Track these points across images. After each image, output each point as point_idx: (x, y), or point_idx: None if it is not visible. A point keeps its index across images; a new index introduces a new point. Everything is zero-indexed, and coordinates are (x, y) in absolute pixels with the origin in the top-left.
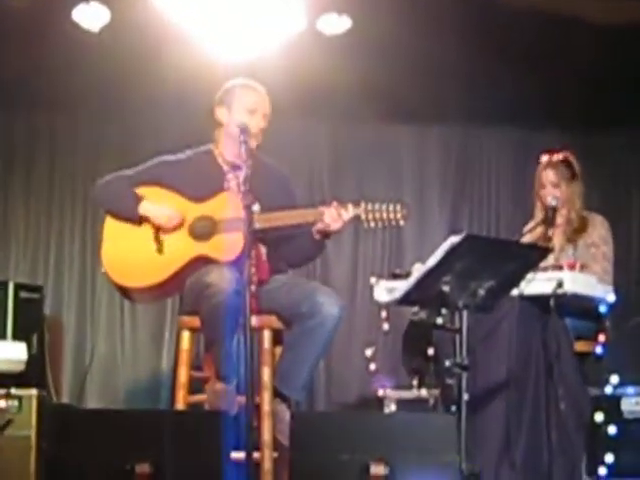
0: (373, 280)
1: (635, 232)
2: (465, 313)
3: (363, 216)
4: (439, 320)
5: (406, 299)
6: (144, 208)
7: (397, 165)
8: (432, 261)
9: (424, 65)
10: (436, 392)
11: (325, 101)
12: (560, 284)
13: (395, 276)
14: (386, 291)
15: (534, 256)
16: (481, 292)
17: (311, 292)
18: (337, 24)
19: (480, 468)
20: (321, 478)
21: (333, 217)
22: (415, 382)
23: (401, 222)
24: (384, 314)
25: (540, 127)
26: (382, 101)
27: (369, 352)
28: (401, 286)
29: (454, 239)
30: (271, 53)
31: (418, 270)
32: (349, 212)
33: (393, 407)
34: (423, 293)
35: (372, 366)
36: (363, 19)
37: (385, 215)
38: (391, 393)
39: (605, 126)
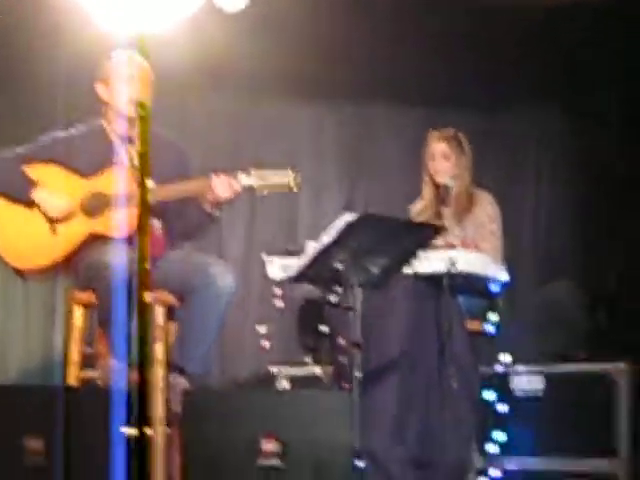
0: (266, 256)
1: (528, 212)
2: (359, 291)
3: (254, 184)
4: (333, 298)
5: (300, 277)
6: (38, 196)
7: (295, 142)
8: (327, 239)
9: (322, 43)
10: (330, 369)
11: (224, 77)
12: (453, 263)
13: (288, 252)
14: (279, 268)
15: (427, 234)
16: (375, 270)
17: (204, 265)
18: (236, 1)
19: (373, 446)
20: (212, 454)
21: (223, 185)
22: (309, 359)
23: (295, 189)
24: (278, 291)
25: (438, 107)
26: (281, 78)
27: (262, 329)
28: (294, 263)
29: (349, 217)
30: (169, 28)
31: (311, 247)
32: (239, 180)
33: (286, 384)
34: (317, 271)
35: (265, 343)
36: None
37: (277, 181)
38: (284, 370)
39: (496, 106)
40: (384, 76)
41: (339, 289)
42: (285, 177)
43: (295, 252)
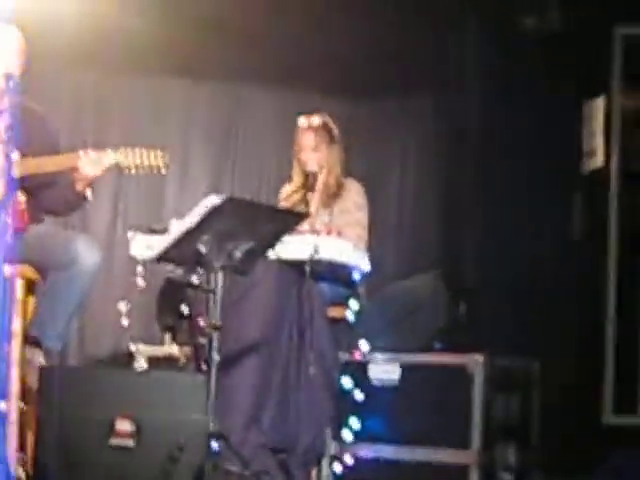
0: (130, 234)
1: (393, 200)
2: (221, 274)
3: (123, 161)
4: (194, 279)
5: (163, 257)
6: None
7: (165, 118)
8: (191, 221)
9: (196, 20)
10: (188, 350)
11: (92, 52)
12: (316, 250)
13: (152, 231)
14: (143, 246)
15: (291, 220)
16: (238, 254)
17: (69, 241)
18: None
19: (228, 428)
20: (67, 433)
21: (91, 162)
22: (168, 339)
23: (163, 170)
24: (140, 269)
25: (307, 90)
26: (152, 53)
27: (122, 306)
28: (158, 242)
29: (214, 200)
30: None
31: (175, 226)
32: (108, 157)
33: (144, 363)
34: (180, 252)
35: (124, 321)
36: None
37: (146, 161)
38: (143, 349)
39: (368, 93)
40: (256, 57)
41: (201, 271)
42: (154, 157)
43: (159, 231)
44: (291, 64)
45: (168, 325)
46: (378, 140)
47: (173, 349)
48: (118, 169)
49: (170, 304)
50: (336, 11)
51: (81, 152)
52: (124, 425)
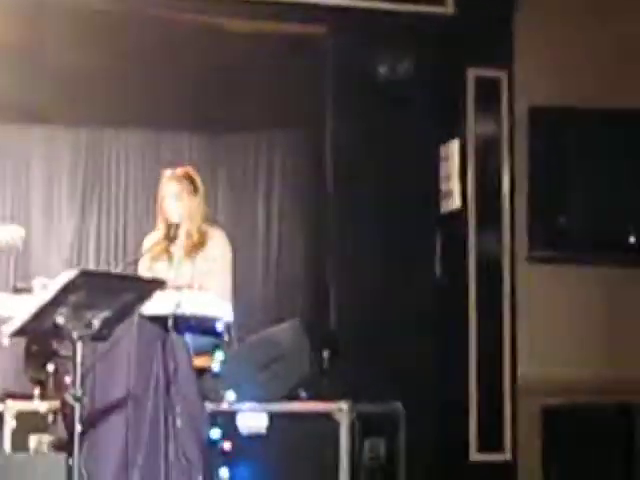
0: None
1: (259, 246)
2: (80, 343)
3: None
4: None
5: (20, 332)
6: None
7: (26, 167)
8: (46, 296)
9: (51, 69)
10: (57, 405)
11: None
12: (178, 305)
13: (17, 290)
14: (6, 304)
15: (149, 288)
16: (96, 322)
17: None
18: None
19: None
20: None
21: None
22: (37, 392)
23: (19, 246)
24: (4, 328)
25: (169, 129)
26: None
27: None
28: (20, 303)
29: (68, 274)
30: None
31: (39, 285)
32: None
33: (13, 423)
34: (39, 325)
35: None
36: None
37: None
38: (11, 405)
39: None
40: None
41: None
42: (10, 233)
43: (24, 290)
44: (152, 106)
45: (36, 379)
46: (240, 181)
47: (41, 406)
48: None
49: (36, 359)
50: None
51: None
52: None
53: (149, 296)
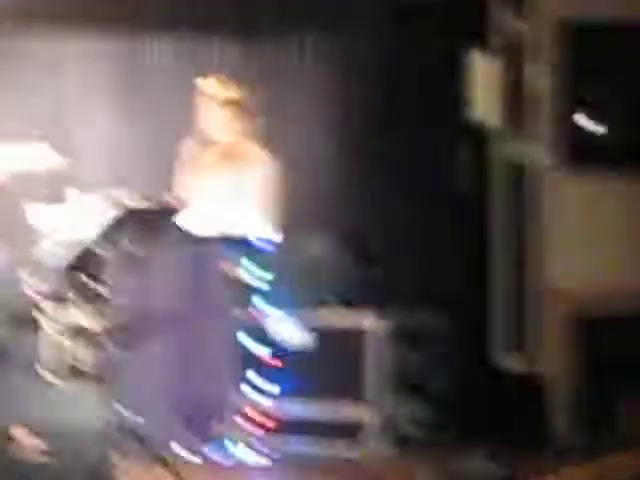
0: (27, 206)
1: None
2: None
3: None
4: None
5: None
6: None
7: (60, 76)
8: (93, 232)
9: None
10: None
11: None
12: (215, 222)
13: (51, 201)
14: (41, 215)
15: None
16: (135, 250)
17: None
18: None
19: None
20: None
21: None
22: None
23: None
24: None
25: (202, 34)
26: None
27: (27, 277)
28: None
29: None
30: None
31: (73, 196)
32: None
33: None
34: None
35: (30, 292)
36: None
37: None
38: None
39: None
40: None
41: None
42: (42, 153)
43: (58, 201)
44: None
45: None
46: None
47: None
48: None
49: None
50: None
51: None
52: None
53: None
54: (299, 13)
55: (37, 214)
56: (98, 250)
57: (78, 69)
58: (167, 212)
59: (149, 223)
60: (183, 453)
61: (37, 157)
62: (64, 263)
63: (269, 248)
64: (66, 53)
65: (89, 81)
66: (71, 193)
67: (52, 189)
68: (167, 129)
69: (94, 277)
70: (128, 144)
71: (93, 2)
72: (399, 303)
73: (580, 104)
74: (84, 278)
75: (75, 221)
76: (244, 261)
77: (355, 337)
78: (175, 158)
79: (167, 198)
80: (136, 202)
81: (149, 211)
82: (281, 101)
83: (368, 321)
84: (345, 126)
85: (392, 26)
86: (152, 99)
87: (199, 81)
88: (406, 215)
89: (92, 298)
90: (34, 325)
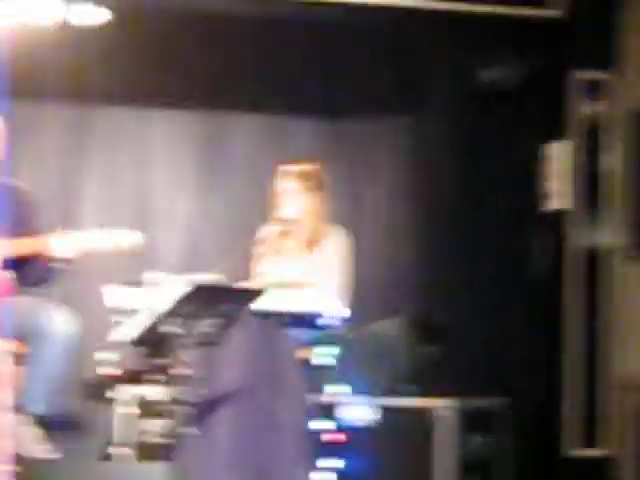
0: (104, 287)
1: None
2: (188, 351)
3: (96, 244)
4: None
5: (136, 342)
6: None
7: (149, 150)
8: (161, 308)
9: (172, 58)
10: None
11: (77, 88)
12: (286, 301)
13: (128, 284)
14: (117, 297)
15: (253, 297)
16: (206, 329)
17: (45, 313)
18: (93, 15)
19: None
20: None
21: (63, 245)
22: (152, 378)
23: (134, 248)
24: (116, 319)
25: (287, 114)
26: (135, 87)
27: (101, 356)
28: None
29: (183, 287)
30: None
31: (148, 280)
32: (81, 240)
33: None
34: (150, 334)
35: (105, 370)
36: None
37: (119, 242)
38: (125, 389)
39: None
40: (238, 85)
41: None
42: (126, 238)
43: (134, 283)
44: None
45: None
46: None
47: (155, 393)
48: (91, 250)
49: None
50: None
51: (51, 237)
52: None
53: (253, 302)
54: (380, 94)
55: (115, 295)
56: (170, 327)
57: (161, 150)
58: (243, 292)
59: (223, 302)
60: None
61: (116, 238)
62: (138, 340)
63: (340, 328)
64: (150, 134)
65: (172, 162)
66: (149, 274)
67: (130, 270)
68: (247, 211)
69: (165, 354)
70: (208, 225)
71: (179, 83)
72: (468, 386)
73: None
74: (155, 355)
75: (152, 301)
76: (315, 341)
77: (422, 419)
78: (254, 240)
79: (243, 279)
80: (212, 281)
81: (224, 289)
82: (357, 184)
83: (436, 403)
84: (420, 210)
85: (470, 109)
86: (233, 180)
87: (280, 165)
88: (478, 299)
89: (163, 375)
90: (107, 400)
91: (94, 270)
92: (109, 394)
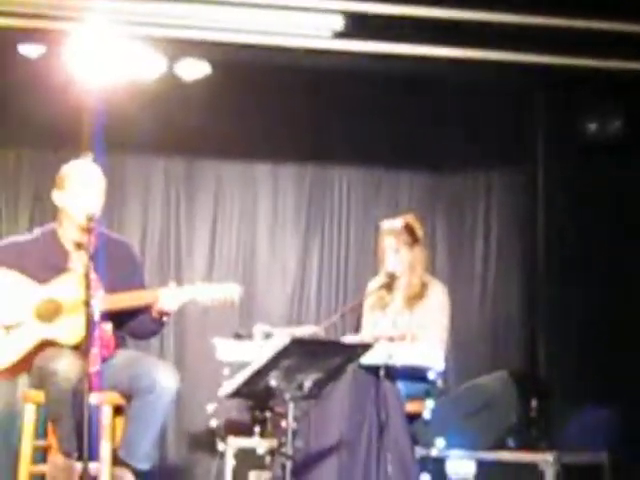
0: (215, 340)
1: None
2: (292, 404)
3: (199, 297)
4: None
5: (235, 394)
6: None
7: (253, 202)
8: (260, 361)
9: (275, 110)
10: (275, 444)
11: (181, 141)
12: (390, 356)
13: (238, 336)
14: (228, 350)
15: (357, 351)
16: (307, 384)
17: (149, 368)
18: (195, 69)
19: None
20: None
21: (169, 298)
22: (257, 430)
23: (236, 301)
24: (227, 371)
25: (390, 167)
26: (238, 140)
27: (210, 408)
28: (243, 347)
29: (280, 341)
30: (129, 96)
31: (259, 331)
32: (185, 294)
33: (234, 461)
34: (252, 387)
35: (213, 422)
36: (221, 65)
37: (220, 296)
38: (232, 442)
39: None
40: (339, 138)
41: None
42: (229, 292)
43: (244, 336)
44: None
45: (255, 418)
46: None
47: (260, 446)
48: (194, 303)
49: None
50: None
51: (160, 290)
52: None
53: (357, 358)
54: (484, 145)
55: (225, 347)
56: (270, 381)
57: (266, 202)
58: (348, 347)
59: (328, 356)
60: None
61: (217, 292)
62: (238, 393)
63: (442, 382)
64: (255, 186)
65: (276, 214)
66: (259, 327)
67: (239, 323)
68: (353, 264)
69: (269, 407)
70: (315, 278)
71: (284, 136)
72: (577, 443)
73: None
74: (259, 408)
75: (260, 355)
76: (419, 394)
77: (527, 473)
78: (362, 294)
79: (353, 332)
80: (309, 335)
81: (324, 343)
82: (462, 236)
83: (542, 457)
84: (528, 264)
85: (577, 160)
86: (339, 233)
87: (384, 221)
88: (582, 356)
89: (268, 427)
90: (215, 452)
91: (204, 323)
92: (219, 446)
